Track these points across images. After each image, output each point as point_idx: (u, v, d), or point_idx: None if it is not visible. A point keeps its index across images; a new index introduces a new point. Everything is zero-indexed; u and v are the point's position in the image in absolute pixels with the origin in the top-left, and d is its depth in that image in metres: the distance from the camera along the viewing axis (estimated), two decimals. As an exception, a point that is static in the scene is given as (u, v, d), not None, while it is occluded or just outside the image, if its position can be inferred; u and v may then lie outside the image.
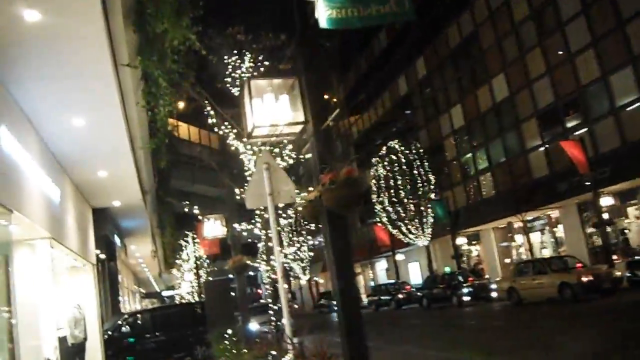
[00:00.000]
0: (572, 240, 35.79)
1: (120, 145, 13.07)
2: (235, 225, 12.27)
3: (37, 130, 11.63)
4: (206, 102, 11.83)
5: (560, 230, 38.47)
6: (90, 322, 17.29)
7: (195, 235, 37.41)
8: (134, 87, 10.76)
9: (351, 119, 63.97)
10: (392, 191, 44.56)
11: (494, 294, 33.31)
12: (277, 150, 11.19)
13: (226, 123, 11.56)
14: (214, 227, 19.14)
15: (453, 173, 48.05)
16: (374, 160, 47.06)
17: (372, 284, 64.31)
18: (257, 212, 11.47)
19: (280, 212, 12.07)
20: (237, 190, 11.79)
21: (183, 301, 47.58)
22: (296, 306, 63.67)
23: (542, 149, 37.33)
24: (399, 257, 54.20)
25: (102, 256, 22.57)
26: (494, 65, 41.02)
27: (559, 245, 38.53)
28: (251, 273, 51.30)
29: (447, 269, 44.43)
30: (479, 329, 21.88)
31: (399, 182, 44.19)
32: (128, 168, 15.42)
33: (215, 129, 11.67)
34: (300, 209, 8.58)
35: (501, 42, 40.11)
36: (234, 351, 13.73)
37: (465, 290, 34.18)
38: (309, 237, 50.58)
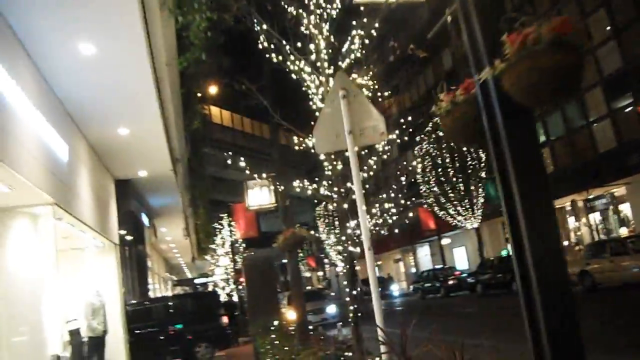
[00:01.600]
0: (642, 218, 32.49)
1: (143, 84, 10.23)
2: (296, 184, 9.26)
3: (34, 62, 8.89)
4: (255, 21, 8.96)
5: (626, 209, 35.15)
6: (113, 311, 14.63)
7: (230, 219, 35.08)
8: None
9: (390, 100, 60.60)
10: (439, 170, 41.41)
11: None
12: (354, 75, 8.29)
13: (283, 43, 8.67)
14: (260, 195, 16.03)
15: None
16: (417, 138, 43.49)
17: (413, 270, 61.50)
18: (325, 162, 8.60)
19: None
20: (295, 139, 8.90)
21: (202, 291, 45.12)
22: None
23: (608, 119, 33.88)
24: (444, 241, 51.29)
25: (129, 237, 19.98)
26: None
27: (625, 225, 35.18)
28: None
29: (505, 252, 41.15)
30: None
31: (447, 160, 41.02)
32: (154, 124, 12.63)
33: (267, 55, 8.80)
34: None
35: (559, 6, 36.73)
36: (285, 348, 10.94)
37: (527, 275, 30.91)
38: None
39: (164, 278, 46.45)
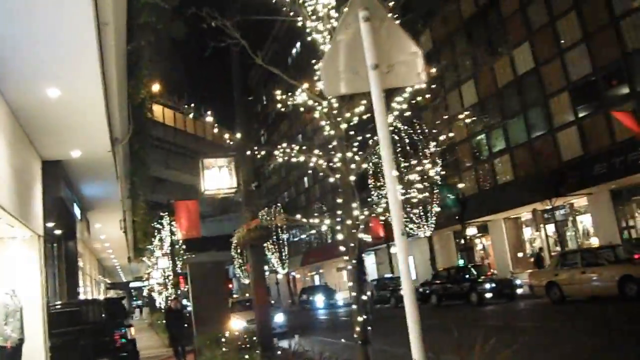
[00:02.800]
0: (603, 230, 31.36)
1: (81, 19, 7.89)
2: (279, 150, 6.92)
3: None
4: None
5: (586, 220, 34.06)
6: (32, 315, 12.15)
7: (171, 218, 32.70)
8: None
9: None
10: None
11: (519, 291, 29.42)
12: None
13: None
14: (219, 177, 13.32)
15: (461, 157, 43.16)
16: (370, 141, 41.57)
17: (359, 280, 59.76)
18: (322, 122, 6.40)
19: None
20: (278, 94, 6.62)
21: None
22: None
23: (574, 126, 32.67)
24: (393, 249, 49.73)
25: (57, 231, 17.47)
26: (516, 35, 36.23)
27: (586, 236, 34.06)
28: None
29: (461, 262, 39.73)
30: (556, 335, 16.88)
31: (402, 166, 39.22)
32: (92, 86, 10.22)
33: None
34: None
35: (526, 8, 35.59)
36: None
37: (487, 285, 29.33)
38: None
39: (97, 280, 43.50)
